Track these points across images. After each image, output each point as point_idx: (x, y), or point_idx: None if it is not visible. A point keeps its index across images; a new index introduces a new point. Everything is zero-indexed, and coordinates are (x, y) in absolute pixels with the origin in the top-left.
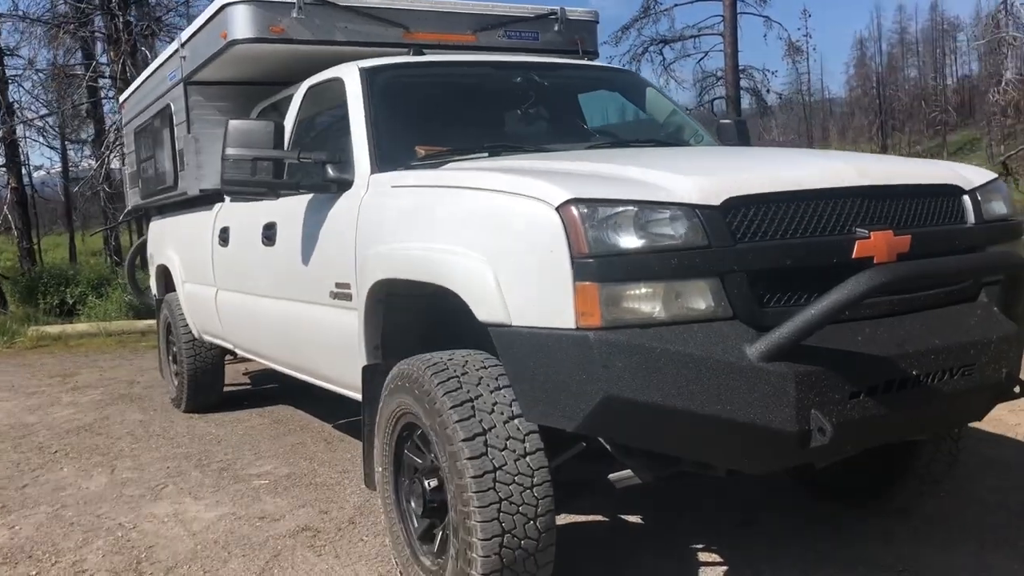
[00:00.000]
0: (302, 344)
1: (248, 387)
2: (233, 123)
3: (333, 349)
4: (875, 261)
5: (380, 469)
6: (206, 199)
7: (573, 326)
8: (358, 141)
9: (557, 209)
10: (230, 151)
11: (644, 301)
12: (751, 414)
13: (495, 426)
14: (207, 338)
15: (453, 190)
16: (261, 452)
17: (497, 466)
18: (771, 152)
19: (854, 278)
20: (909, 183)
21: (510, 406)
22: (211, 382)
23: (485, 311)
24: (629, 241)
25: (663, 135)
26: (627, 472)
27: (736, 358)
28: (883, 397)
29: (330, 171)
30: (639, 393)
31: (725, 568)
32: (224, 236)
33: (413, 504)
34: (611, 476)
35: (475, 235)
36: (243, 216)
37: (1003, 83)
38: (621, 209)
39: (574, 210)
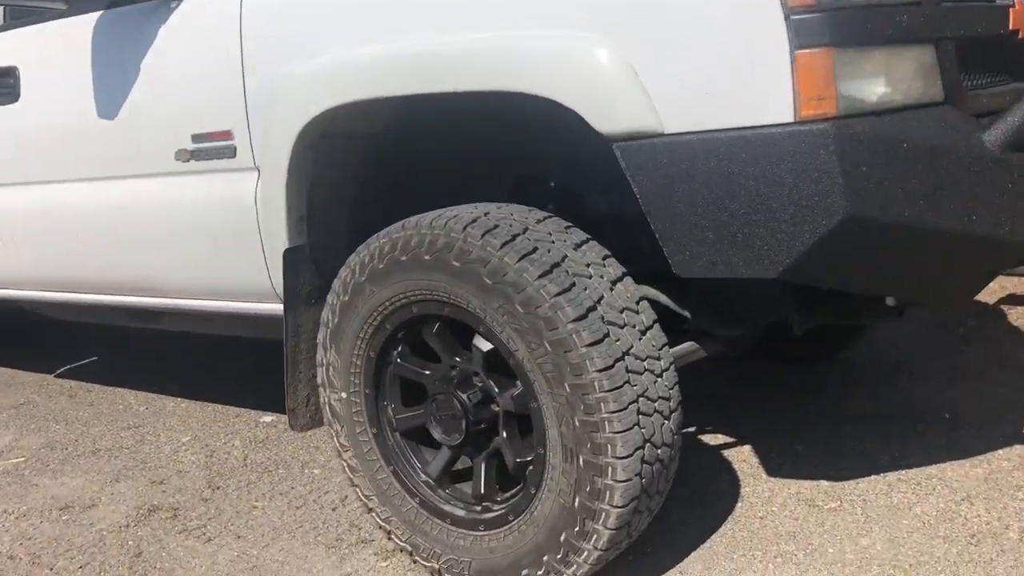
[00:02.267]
0: (129, 249)
1: None
2: None
3: (194, 244)
4: None
5: (344, 395)
6: None
7: (791, 119)
8: None
9: None
10: None
11: (878, 76)
12: (998, 224)
13: (603, 296)
14: None
15: None
16: None
17: (625, 350)
18: None
19: None
20: None
21: (606, 264)
22: None
23: (613, 118)
24: None
25: None
26: (691, 345)
27: (981, 150)
28: None
29: None
30: (886, 209)
31: (716, 442)
32: None
33: (437, 431)
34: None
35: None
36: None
37: None
38: None
39: None
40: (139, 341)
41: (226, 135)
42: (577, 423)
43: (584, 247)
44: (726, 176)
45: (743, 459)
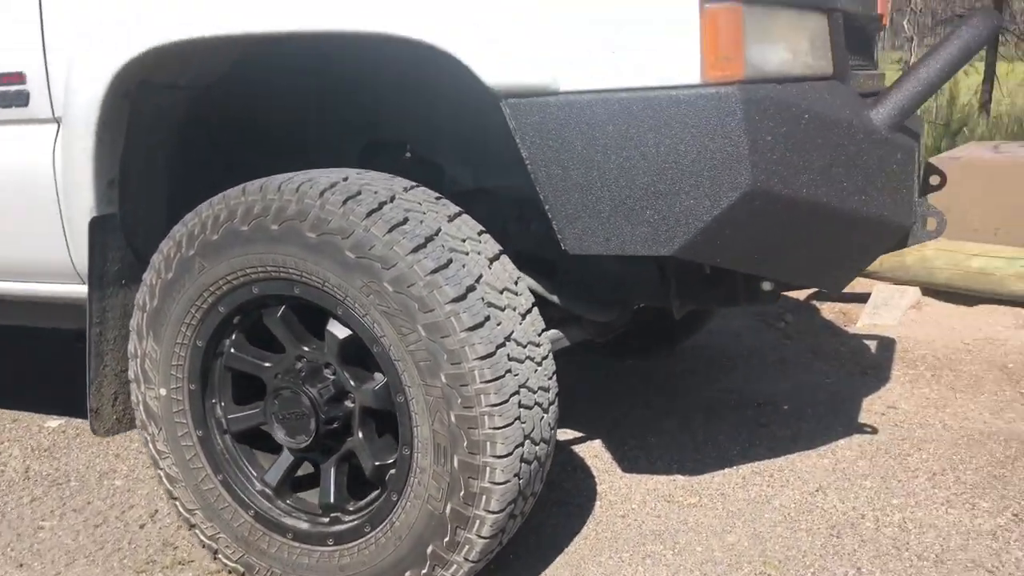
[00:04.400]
0: None
1: None
2: None
3: None
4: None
5: (163, 391)
6: None
7: (697, 80)
8: None
9: None
10: None
11: (781, 41)
12: (882, 205)
13: (482, 274)
14: None
15: None
16: None
17: (506, 335)
18: None
19: (974, 22)
20: None
21: (482, 240)
22: None
23: (504, 68)
24: None
25: None
26: (555, 333)
27: (872, 128)
28: None
29: None
30: (788, 183)
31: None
32: None
33: (279, 433)
34: None
35: None
36: None
37: None
38: None
39: None
40: None
41: (17, 78)
42: (453, 418)
43: (458, 220)
44: (625, 141)
45: (595, 455)
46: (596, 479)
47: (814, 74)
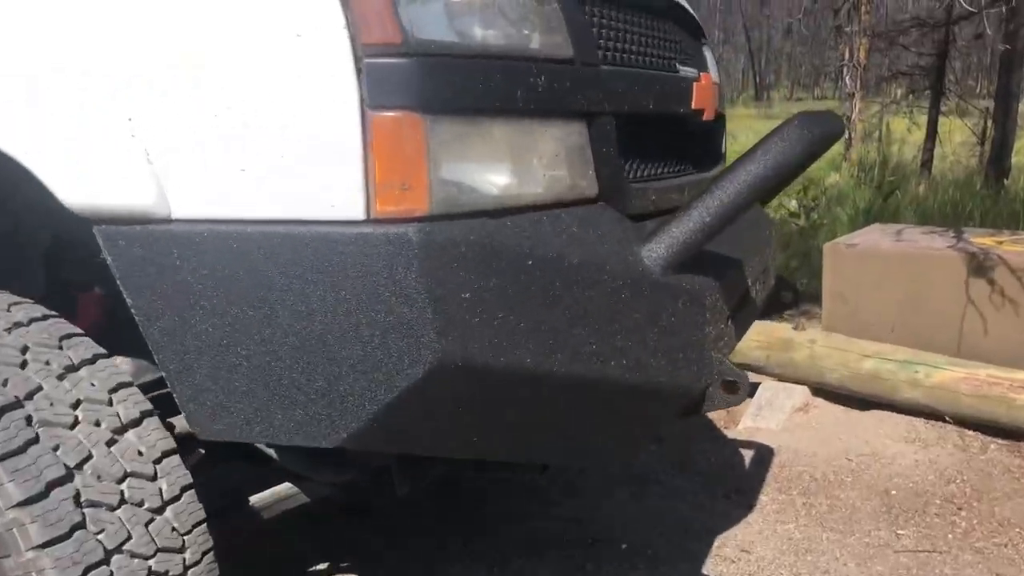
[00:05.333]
0: None
1: None
2: None
3: None
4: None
5: None
6: None
7: (361, 215)
8: None
9: None
10: None
11: (498, 160)
12: (654, 368)
13: (90, 456)
14: None
15: None
16: None
17: (111, 549)
18: None
19: (789, 130)
20: None
21: (120, 408)
22: None
23: (91, 186)
24: (474, 29)
25: None
26: (287, 487)
27: (639, 271)
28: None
29: None
30: (500, 350)
31: None
32: None
33: None
34: (255, 498)
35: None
36: None
37: None
38: None
39: None
40: None
41: None
42: None
43: (89, 367)
44: (267, 292)
45: None
46: None
47: (564, 198)
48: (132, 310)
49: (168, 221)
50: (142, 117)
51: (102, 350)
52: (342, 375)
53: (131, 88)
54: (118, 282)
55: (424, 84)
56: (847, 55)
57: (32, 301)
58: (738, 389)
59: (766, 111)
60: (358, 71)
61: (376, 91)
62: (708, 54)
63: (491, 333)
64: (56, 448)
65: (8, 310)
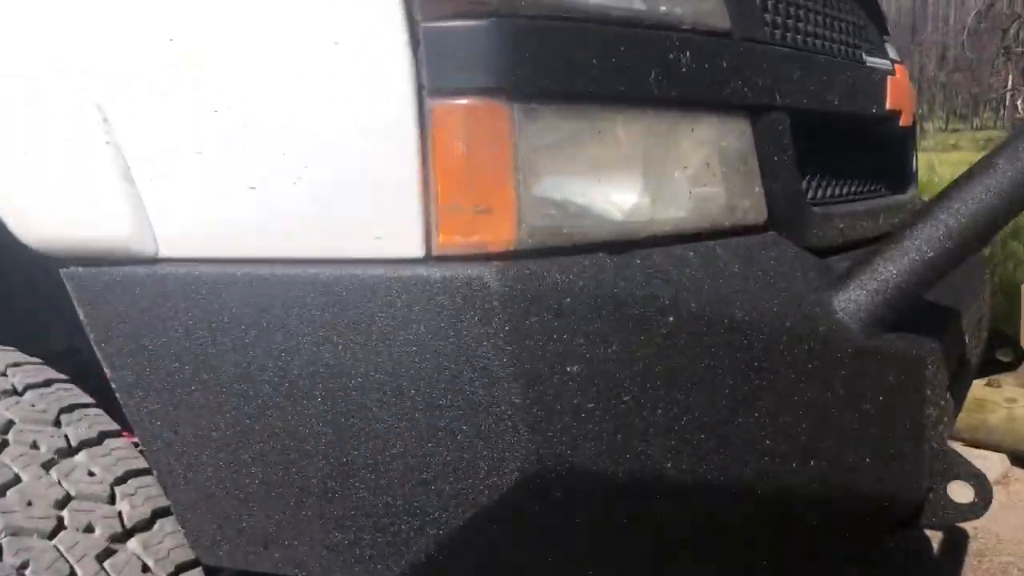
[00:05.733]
0: None
1: None
2: None
3: None
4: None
5: None
6: None
7: (418, 251)
8: None
9: None
10: None
11: (618, 170)
12: (850, 468)
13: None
14: None
15: None
16: None
17: None
18: None
19: None
20: None
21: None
22: None
23: (55, 223)
24: None
25: None
26: None
27: (834, 330)
28: None
29: None
30: (624, 449)
31: None
32: None
33: None
34: None
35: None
36: None
37: None
38: None
39: None
40: None
41: None
42: None
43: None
44: (284, 365)
45: None
46: None
47: (717, 225)
48: (112, 384)
49: (153, 261)
50: (132, 131)
51: (113, 426)
52: (391, 486)
53: (102, 78)
54: (92, 341)
55: (512, 58)
56: (1011, 79)
57: (40, 361)
58: (976, 494)
59: (920, 143)
60: (413, 40)
61: (440, 69)
62: (893, 53)
63: (611, 427)
64: (24, 566)
65: (4, 373)
